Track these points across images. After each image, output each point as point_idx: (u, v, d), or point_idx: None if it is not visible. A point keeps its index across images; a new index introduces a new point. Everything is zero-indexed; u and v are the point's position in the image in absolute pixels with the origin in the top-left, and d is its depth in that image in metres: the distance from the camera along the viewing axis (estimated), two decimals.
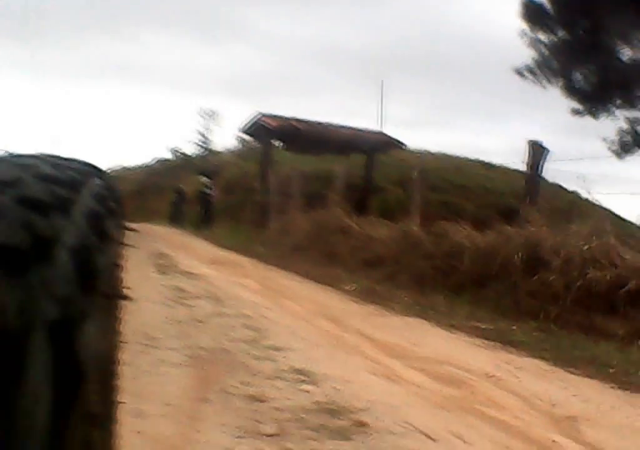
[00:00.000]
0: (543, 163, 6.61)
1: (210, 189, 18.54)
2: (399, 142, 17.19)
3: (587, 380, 3.46)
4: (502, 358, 3.83)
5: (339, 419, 2.44)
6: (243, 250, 10.19)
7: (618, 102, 13.55)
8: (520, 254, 5.61)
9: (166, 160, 32.40)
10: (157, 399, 2.54)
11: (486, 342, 4.26)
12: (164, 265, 7.58)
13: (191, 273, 7.06)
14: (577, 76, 13.57)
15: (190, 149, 30.43)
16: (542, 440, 2.46)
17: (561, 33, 12.59)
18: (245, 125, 16.93)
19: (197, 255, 9.25)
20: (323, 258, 8.61)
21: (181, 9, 60.02)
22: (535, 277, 5.35)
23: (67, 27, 58.08)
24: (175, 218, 18.92)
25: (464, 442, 2.33)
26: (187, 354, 3.31)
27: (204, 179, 18.93)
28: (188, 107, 60.80)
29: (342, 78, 56.20)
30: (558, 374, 3.56)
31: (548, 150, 6.55)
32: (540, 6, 12.34)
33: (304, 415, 2.46)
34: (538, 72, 13.96)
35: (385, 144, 16.87)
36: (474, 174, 22.27)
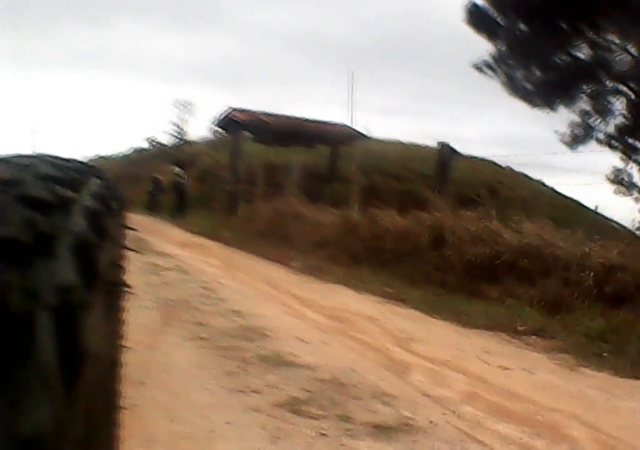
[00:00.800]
0: (450, 161, 8.19)
1: (184, 178, 19.95)
2: (362, 134, 18.70)
3: (441, 322, 5.01)
4: (389, 309, 5.39)
5: (251, 333, 3.97)
6: (212, 235, 11.69)
7: (558, 100, 15.12)
8: (427, 235, 7.17)
9: (143, 149, 33.54)
10: (135, 324, 4.03)
11: (384, 300, 5.81)
12: (141, 248, 9.04)
13: (164, 253, 8.55)
14: (519, 75, 15.12)
15: (166, 139, 31.68)
16: (380, 348, 4.00)
17: (504, 38, 14.11)
18: (217, 118, 18.40)
19: (170, 240, 10.73)
20: (279, 241, 10.12)
21: None
22: (438, 253, 6.92)
23: (42, 15, 58.75)
24: (152, 206, 20.33)
25: (326, 344, 3.87)
26: (156, 303, 4.81)
27: (178, 169, 20.34)
28: (165, 96, 61.87)
29: (319, 66, 57.57)
30: (423, 318, 5.11)
31: (455, 151, 8.12)
32: (484, 12, 13.85)
33: (229, 331, 3.98)
34: (495, 68, 15.48)
35: (349, 136, 18.36)
36: (430, 161, 23.79)
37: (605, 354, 4.05)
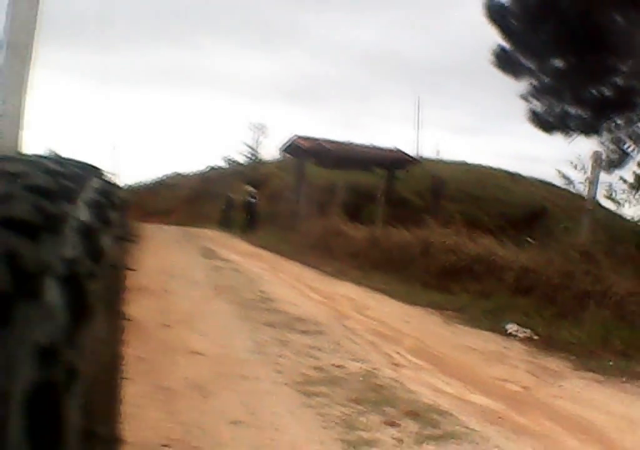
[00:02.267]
0: (441, 190, 11.07)
1: (255, 198, 23.29)
2: (414, 159, 21.62)
3: (400, 303, 7.90)
4: (369, 295, 8.32)
5: (265, 300, 7.00)
6: (270, 248, 14.83)
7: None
8: (419, 247, 10.08)
9: (220, 167, 37.33)
10: (196, 296, 7.11)
11: (373, 291, 8.73)
12: (209, 256, 12.22)
13: (227, 259, 11.69)
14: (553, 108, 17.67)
15: (242, 158, 35.30)
16: (342, 311, 6.94)
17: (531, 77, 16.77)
18: (284, 144, 21.75)
19: (234, 250, 13.91)
20: (322, 252, 13.15)
21: (241, 16, 65.50)
22: (424, 260, 9.81)
23: (131, 34, 64.14)
24: (224, 223, 23.75)
25: (307, 307, 6.86)
26: (212, 287, 7.90)
27: (250, 189, 23.71)
28: (243, 113, 66.11)
29: (394, 85, 60.63)
30: (390, 301, 8.01)
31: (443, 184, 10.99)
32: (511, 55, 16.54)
33: (253, 299, 7.02)
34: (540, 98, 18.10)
35: (402, 161, 21.28)
36: (493, 184, 26.32)
37: (482, 319, 6.88)
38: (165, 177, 39.34)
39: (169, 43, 64.86)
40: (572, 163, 8.45)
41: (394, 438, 2.98)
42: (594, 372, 5.06)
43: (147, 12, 66.06)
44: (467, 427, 3.25)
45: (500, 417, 3.54)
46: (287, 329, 5.39)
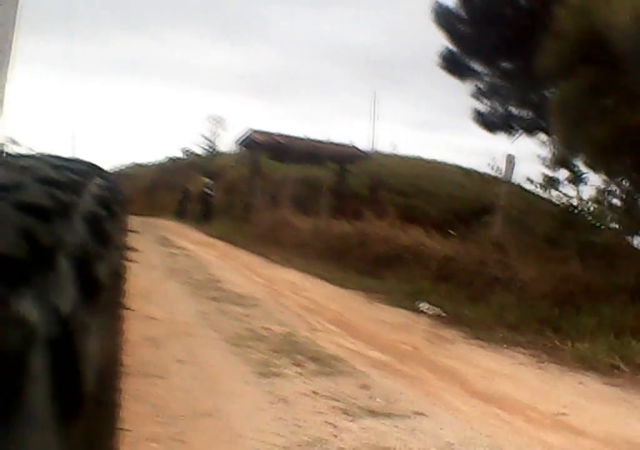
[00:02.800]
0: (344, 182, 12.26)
1: (211, 189, 24.28)
2: (365, 154, 22.81)
3: (334, 286, 9.04)
4: (308, 280, 9.45)
5: (213, 281, 8.08)
6: (223, 238, 15.87)
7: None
8: (357, 238, 11.24)
9: (177, 158, 38.11)
10: (151, 278, 8.16)
11: (312, 277, 9.85)
12: (165, 244, 13.23)
13: (180, 247, 12.72)
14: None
15: (200, 150, 36.16)
16: (280, 291, 8.06)
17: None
18: (240, 138, 22.75)
19: (189, 240, 14.93)
20: (271, 242, 14.24)
21: (201, 6, 66.07)
22: (361, 250, 10.97)
23: (92, 24, 64.27)
24: (181, 213, 24.70)
25: (248, 288, 7.97)
26: (166, 270, 8.95)
27: (206, 181, 24.70)
28: (204, 105, 66.73)
29: (355, 78, 61.91)
30: (325, 284, 9.15)
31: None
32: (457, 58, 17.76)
33: (202, 280, 8.10)
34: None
35: (354, 156, 22.43)
36: (446, 180, 27.57)
37: (402, 300, 8.06)
38: (124, 168, 39.91)
39: (130, 33, 65.16)
40: (489, 164, 9.59)
41: (296, 373, 4.11)
42: (481, 340, 6.24)
43: (109, 1, 66.25)
44: (354, 369, 4.39)
45: (385, 365, 4.68)
46: (228, 303, 6.48)
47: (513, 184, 10.44)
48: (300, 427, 3.16)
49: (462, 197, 24.89)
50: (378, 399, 3.79)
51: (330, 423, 3.26)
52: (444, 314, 7.31)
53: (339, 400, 3.65)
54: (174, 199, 27.57)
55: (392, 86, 56.60)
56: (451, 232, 9.92)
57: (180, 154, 38.05)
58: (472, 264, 9.06)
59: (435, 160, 30.43)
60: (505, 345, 6.14)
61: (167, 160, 38.93)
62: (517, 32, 16.60)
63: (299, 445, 2.92)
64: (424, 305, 7.45)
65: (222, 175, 27.62)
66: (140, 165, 39.39)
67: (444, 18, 17.55)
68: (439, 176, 27.31)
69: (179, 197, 26.30)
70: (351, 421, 3.33)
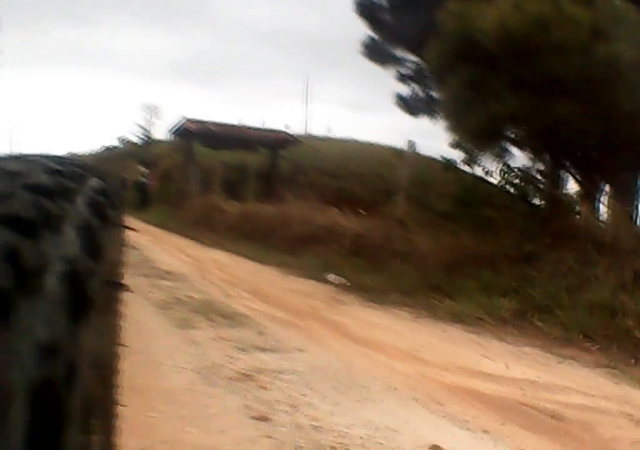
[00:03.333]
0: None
1: (146, 178, 25.20)
2: (296, 139, 24.01)
3: (255, 263, 10.25)
4: (231, 258, 10.65)
5: (146, 261, 9.22)
6: (159, 224, 16.96)
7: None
8: (279, 220, 12.48)
9: (114, 147, 38.82)
10: None
11: (237, 255, 11.05)
12: None
13: None
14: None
15: (135, 138, 36.93)
16: (206, 268, 9.25)
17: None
18: (173, 127, 23.72)
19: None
20: (204, 227, 15.38)
21: None
22: (281, 231, 12.22)
23: (26, 12, 63.77)
24: None
25: (178, 266, 9.14)
26: None
27: (142, 169, 25.61)
28: (140, 92, 67.00)
29: (293, 61, 62.96)
30: (247, 262, 10.36)
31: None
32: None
33: (137, 261, 9.23)
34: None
35: (287, 141, 23.61)
36: (378, 161, 28.83)
37: (315, 273, 9.32)
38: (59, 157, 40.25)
39: (64, 22, 64.87)
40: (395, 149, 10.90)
41: (208, 325, 5.32)
42: (374, 302, 7.53)
43: None
44: (256, 323, 5.63)
45: (283, 320, 5.94)
46: (158, 278, 7.66)
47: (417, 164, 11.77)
48: (205, 358, 4.37)
49: (390, 177, 26.29)
50: (270, 341, 5.03)
51: (228, 355, 4.48)
52: (348, 283, 8.59)
53: (238, 342, 4.87)
54: None
55: (327, 68, 57.82)
56: (362, 211, 11.22)
57: (116, 143, 38.80)
58: (378, 240, 10.37)
59: (368, 142, 31.65)
60: (393, 306, 7.44)
61: (103, 149, 39.59)
62: (433, 20, 17.97)
63: (202, 368, 4.13)
64: (331, 277, 8.73)
65: (158, 163, 28.50)
66: (77, 155, 39.83)
67: (365, 7, 18.73)
68: (370, 157, 28.54)
69: None
70: (244, 354, 4.56)
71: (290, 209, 12.47)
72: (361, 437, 3.14)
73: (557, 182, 10.37)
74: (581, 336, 6.18)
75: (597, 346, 5.93)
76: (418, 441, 3.18)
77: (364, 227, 10.74)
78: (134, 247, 10.96)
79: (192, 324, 5.33)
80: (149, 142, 34.48)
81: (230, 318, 5.67)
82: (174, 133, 24.52)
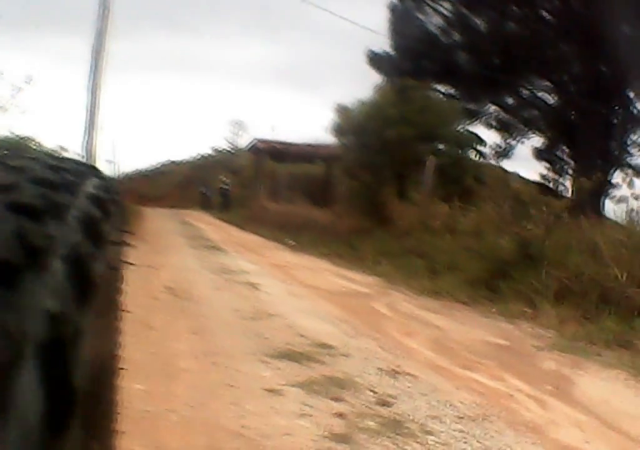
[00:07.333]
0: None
1: (228, 185, 36.90)
2: None
3: (262, 238, 21.34)
4: (252, 236, 21.81)
5: (202, 238, 20.50)
6: (226, 220, 28.39)
7: None
8: (300, 217, 23.63)
9: (208, 155, 50.90)
10: (172, 240, 20.54)
11: (255, 235, 22.19)
12: (185, 224, 25.69)
13: (194, 225, 25.21)
14: None
15: (226, 147, 48.89)
16: (230, 240, 20.41)
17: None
18: (248, 145, 35.36)
19: (201, 221, 27.41)
20: (254, 220, 26.62)
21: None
22: (291, 220, 23.39)
23: (129, 19, 77.09)
24: (204, 205, 37.46)
25: (222, 239, 20.40)
26: (179, 235, 21.33)
27: (224, 178, 37.37)
28: (240, 99, 79.45)
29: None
30: (258, 238, 21.48)
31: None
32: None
33: (195, 236, 20.49)
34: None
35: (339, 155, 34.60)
36: None
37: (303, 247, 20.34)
38: (160, 165, 52.69)
39: (168, 31, 77.35)
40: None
41: (207, 250, 16.50)
42: (303, 252, 18.37)
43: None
44: (231, 253, 16.77)
45: (251, 252, 17.03)
46: (199, 241, 18.83)
47: None
48: (200, 258, 15.48)
49: None
50: (237, 262, 16.10)
51: (204, 258, 15.59)
52: (296, 244, 19.44)
53: (218, 261, 15.96)
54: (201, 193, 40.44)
55: None
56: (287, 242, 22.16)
57: (210, 151, 50.84)
58: (310, 220, 21.25)
59: None
60: (312, 255, 18.17)
61: (198, 157, 51.65)
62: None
63: (200, 262, 15.24)
64: (288, 241, 19.67)
65: (240, 172, 40.23)
66: (174, 163, 52.12)
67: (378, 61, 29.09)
68: None
69: (202, 192, 39.19)
70: (214, 256, 15.65)
71: (295, 209, 23.45)
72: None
73: None
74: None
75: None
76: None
77: (324, 217, 21.61)
78: (198, 231, 22.37)
79: (196, 246, 16.44)
80: (235, 152, 46.37)
81: (218, 249, 16.75)
82: (248, 150, 36.16)
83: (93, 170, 0.90)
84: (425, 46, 26.86)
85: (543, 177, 28.80)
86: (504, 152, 30.51)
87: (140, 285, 8.56)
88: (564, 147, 29.51)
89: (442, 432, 4.28)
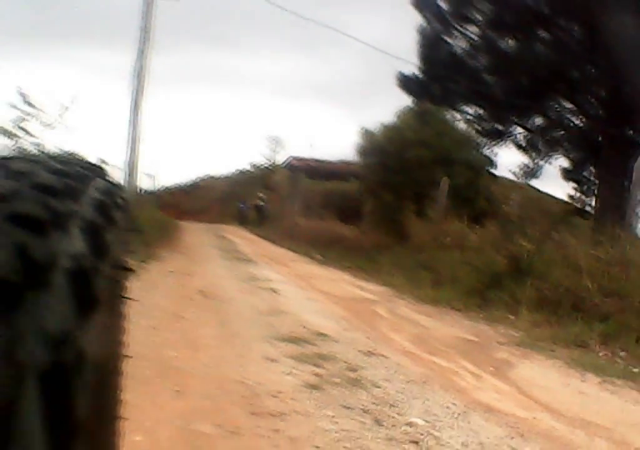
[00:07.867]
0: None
1: (264, 201, 38.89)
2: None
3: (290, 252, 23.21)
4: (280, 250, 23.70)
5: (236, 251, 22.44)
6: (260, 235, 30.35)
7: None
8: (329, 233, 25.51)
9: (246, 171, 53.03)
10: (205, 243, 22.51)
11: (284, 249, 24.06)
12: (220, 238, 27.66)
13: (229, 239, 27.18)
14: None
15: (263, 163, 51.01)
16: (261, 253, 22.33)
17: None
18: (283, 163, 37.37)
19: (236, 235, 29.38)
20: (285, 235, 28.53)
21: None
22: (325, 237, 25.26)
23: (168, 35, 79.68)
24: (241, 220, 39.49)
25: (254, 253, 22.33)
26: (214, 247, 23.27)
27: (261, 195, 39.37)
28: (275, 113, 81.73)
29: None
30: (287, 252, 23.36)
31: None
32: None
33: (229, 249, 22.43)
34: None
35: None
36: None
37: (331, 262, 22.19)
38: (198, 180, 54.85)
39: (207, 46, 79.93)
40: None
41: (235, 259, 18.42)
42: (328, 265, 20.19)
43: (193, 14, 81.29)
44: (257, 263, 18.67)
45: (269, 264, 18.92)
46: (232, 254, 20.75)
47: None
48: (231, 268, 17.39)
49: None
50: (263, 272, 18.01)
51: (234, 268, 17.52)
52: (323, 258, 21.30)
53: (241, 265, 17.88)
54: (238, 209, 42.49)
55: None
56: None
57: (248, 167, 52.98)
58: (339, 235, 23.10)
59: None
60: (335, 267, 20.00)
61: (237, 173, 53.80)
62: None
63: (230, 271, 17.17)
64: (316, 255, 21.52)
65: (276, 188, 42.24)
66: (213, 178, 54.26)
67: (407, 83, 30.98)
68: None
69: (239, 207, 41.25)
70: (244, 266, 17.55)
71: (326, 225, 25.29)
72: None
73: None
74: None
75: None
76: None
77: (343, 231, 23.43)
78: (232, 244, 24.31)
79: (229, 258, 18.36)
80: (272, 169, 48.42)
81: (248, 260, 18.67)
82: (283, 168, 38.16)
83: (99, 173, 0.90)
84: (453, 69, 28.46)
85: (571, 197, 30.33)
86: (532, 172, 31.96)
87: (176, 289, 10.62)
88: (591, 168, 30.76)
89: (387, 387, 6.11)
